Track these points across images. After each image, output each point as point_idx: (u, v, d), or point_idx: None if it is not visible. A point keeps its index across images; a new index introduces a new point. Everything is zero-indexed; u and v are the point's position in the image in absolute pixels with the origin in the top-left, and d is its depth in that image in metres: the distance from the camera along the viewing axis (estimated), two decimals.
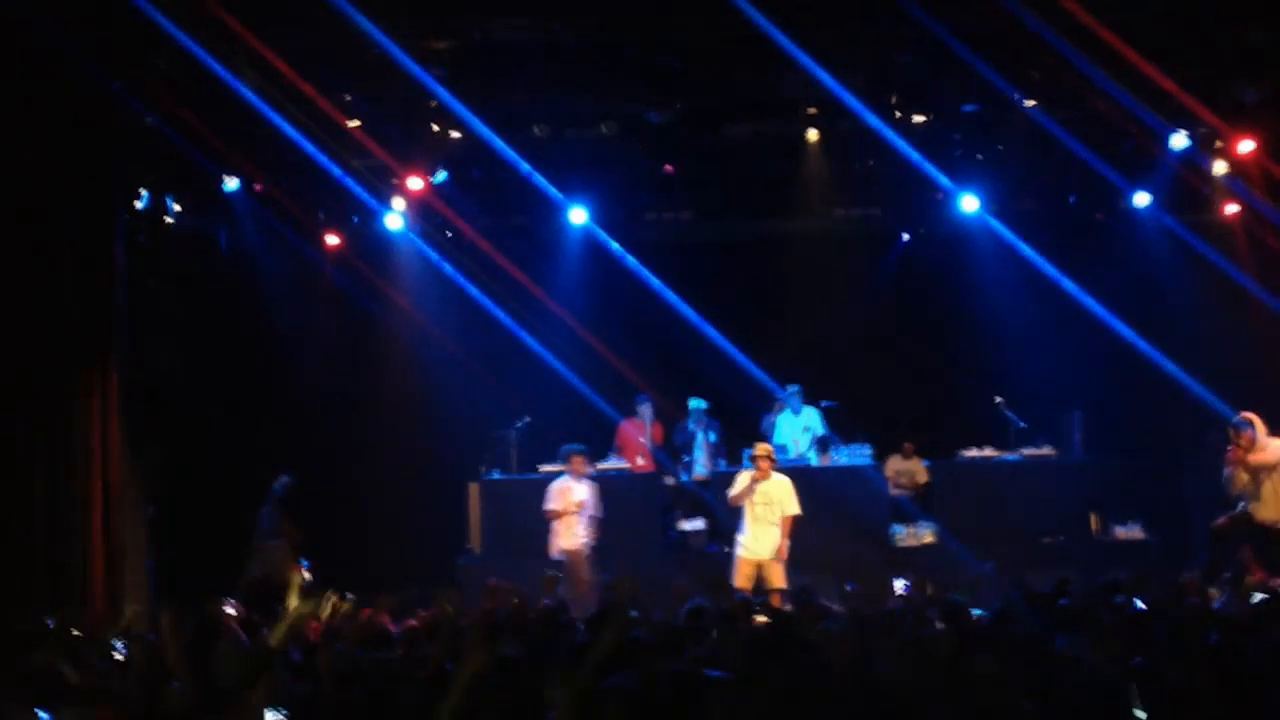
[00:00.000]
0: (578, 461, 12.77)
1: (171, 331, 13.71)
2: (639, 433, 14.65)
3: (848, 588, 10.57)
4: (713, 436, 14.54)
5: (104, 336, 11.97)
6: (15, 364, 11.29)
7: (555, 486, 12.72)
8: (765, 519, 12.02)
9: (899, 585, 11.27)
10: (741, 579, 11.88)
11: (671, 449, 14.75)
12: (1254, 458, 11.12)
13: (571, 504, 12.61)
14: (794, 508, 12.12)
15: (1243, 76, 13.63)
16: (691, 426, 14.50)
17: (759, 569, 11.93)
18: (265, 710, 5.23)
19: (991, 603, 9.22)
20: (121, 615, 8.95)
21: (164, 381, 13.33)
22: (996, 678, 5.62)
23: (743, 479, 12.16)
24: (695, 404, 14.52)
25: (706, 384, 14.86)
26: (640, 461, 14.53)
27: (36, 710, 5.64)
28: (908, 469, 14.76)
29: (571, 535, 12.56)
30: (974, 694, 5.46)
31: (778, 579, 11.81)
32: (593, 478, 13.06)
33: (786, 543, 12.04)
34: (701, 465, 14.37)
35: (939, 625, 7.54)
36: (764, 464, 12.11)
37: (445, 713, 5.01)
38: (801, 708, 5.32)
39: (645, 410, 14.72)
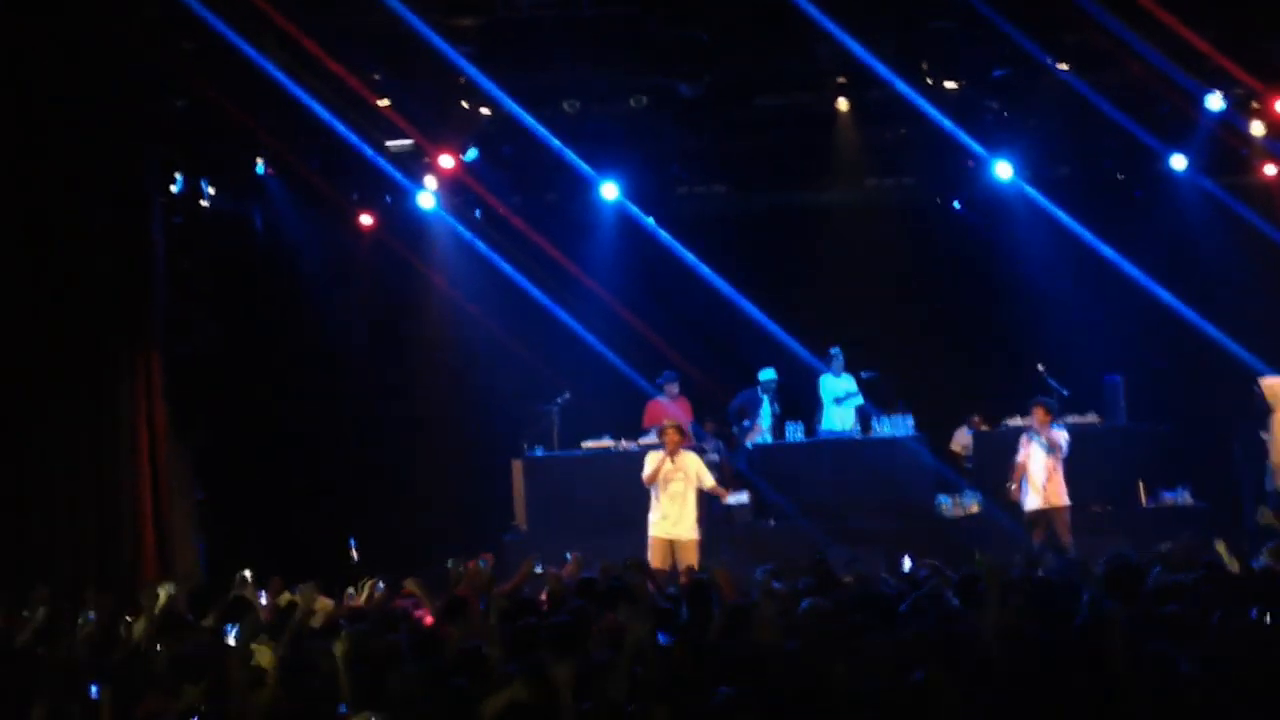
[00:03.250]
0: (1039, 413, 12.50)
1: (210, 314, 13.67)
2: (673, 410, 14.54)
3: (906, 561, 10.42)
4: (777, 408, 14.49)
5: (144, 320, 11.97)
6: (58, 350, 11.29)
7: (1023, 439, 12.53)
8: (678, 497, 11.78)
9: (906, 563, 11.08)
10: (656, 559, 11.51)
11: (725, 417, 14.73)
12: None
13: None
14: (709, 481, 11.99)
15: (1278, 35, 13.47)
16: (760, 395, 14.46)
17: (673, 547, 11.69)
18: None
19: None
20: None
21: (204, 364, 13.29)
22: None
23: (653, 459, 11.90)
24: (767, 374, 14.46)
25: (743, 357, 14.81)
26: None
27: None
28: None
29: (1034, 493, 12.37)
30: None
31: (691, 557, 11.58)
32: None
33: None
34: (765, 434, 14.33)
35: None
36: (672, 440, 11.88)
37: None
38: None
39: (672, 388, 14.62)
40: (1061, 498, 12.41)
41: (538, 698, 5.30)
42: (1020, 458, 12.56)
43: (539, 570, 8.73)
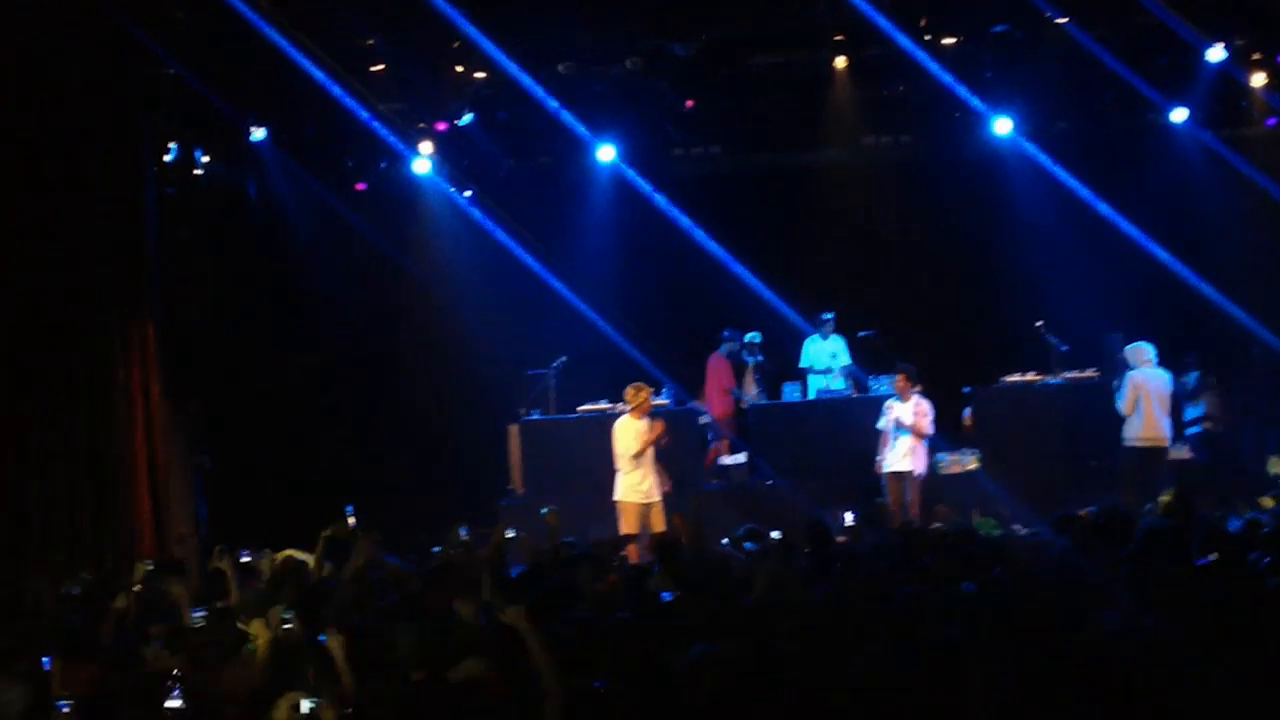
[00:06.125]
0: (900, 380, 12.64)
1: (205, 283, 13.72)
2: (725, 367, 14.59)
3: (847, 516, 10.46)
4: (760, 358, 14.56)
5: (138, 289, 12.01)
6: (52, 320, 11.34)
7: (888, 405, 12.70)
8: (649, 459, 11.75)
9: (848, 518, 11.07)
10: (633, 524, 11.47)
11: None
12: None
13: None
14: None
15: None
16: (745, 357, 14.51)
17: (648, 511, 11.66)
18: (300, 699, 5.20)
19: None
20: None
21: (199, 332, 13.35)
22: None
23: (635, 426, 11.78)
24: (751, 336, 14.55)
25: (739, 318, 14.81)
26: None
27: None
28: None
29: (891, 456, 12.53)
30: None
31: (661, 519, 11.56)
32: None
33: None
34: (751, 396, 14.37)
35: None
36: (645, 402, 11.84)
37: None
38: None
39: (733, 345, 14.66)
40: (916, 464, 12.47)
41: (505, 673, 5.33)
42: (884, 424, 12.62)
43: (510, 535, 8.78)
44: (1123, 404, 12.45)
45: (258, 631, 6.17)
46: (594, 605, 6.64)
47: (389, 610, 7.00)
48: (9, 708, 5.45)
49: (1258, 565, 6.52)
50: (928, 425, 12.53)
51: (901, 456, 12.51)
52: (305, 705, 5.15)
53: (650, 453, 11.76)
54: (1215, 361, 14.20)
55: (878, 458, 12.65)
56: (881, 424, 12.68)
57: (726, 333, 14.77)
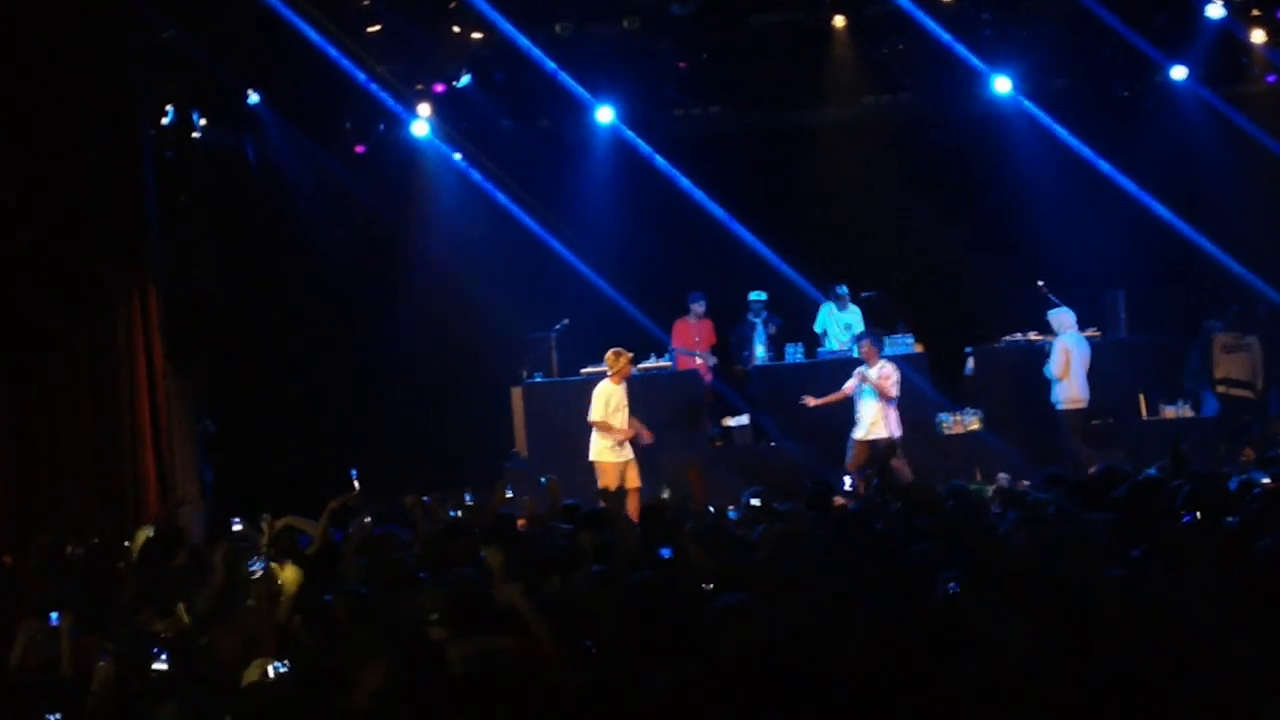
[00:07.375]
0: (865, 347, 12.69)
1: (205, 246, 13.64)
2: (694, 332, 14.57)
3: (846, 479, 10.47)
4: (772, 328, 14.53)
5: (138, 253, 11.95)
6: (53, 286, 11.30)
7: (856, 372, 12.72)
8: (624, 420, 11.84)
9: (847, 481, 11.09)
10: (614, 482, 11.50)
11: (727, 343, 14.76)
12: None
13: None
14: None
15: None
16: (751, 318, 14.49)
17: (625, 469, 11.74)
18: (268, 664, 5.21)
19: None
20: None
21: (200, 296, 13.29)
22: None
23: (615, 392, 11.86)
24: (755, 296, 14.49)
25: (740, 278, 14.78)
26: (699, 360, 14.49)
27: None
28: None
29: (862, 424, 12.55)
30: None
31: (636, 478, 11.69)
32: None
33: None
34: (760, 358, 14.36)
35: None
36: (624, 367, 11.95)
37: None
38: None
39: (698, 307, 14.61)
40: (889, 430, 12.48)
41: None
42: (845, 387, 12.67)
43: (509, 495, 8.80)
44: (1056, 368, 12.84)
45: (290, 576, 6.20)
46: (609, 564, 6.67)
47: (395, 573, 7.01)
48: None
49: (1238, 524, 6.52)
50: (891, 387, 12.49)
51: (870, 424, 12.50)
52: (271, 670, 5.17)
53: (624, 414, 11.82)
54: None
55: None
56: (849, 385, 12.69)
57: (691, 296, 14.71)
